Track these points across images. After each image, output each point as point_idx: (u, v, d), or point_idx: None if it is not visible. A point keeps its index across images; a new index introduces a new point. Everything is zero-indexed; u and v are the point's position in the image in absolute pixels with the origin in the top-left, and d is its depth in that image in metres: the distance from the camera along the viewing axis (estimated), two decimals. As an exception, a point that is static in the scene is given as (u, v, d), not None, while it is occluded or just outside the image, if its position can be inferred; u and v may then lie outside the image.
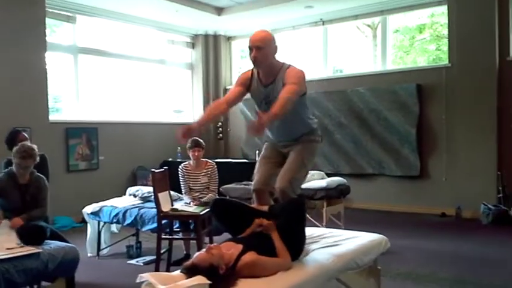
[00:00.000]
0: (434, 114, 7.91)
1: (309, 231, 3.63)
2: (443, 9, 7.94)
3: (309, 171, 6.20)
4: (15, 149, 4.07)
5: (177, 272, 2.55)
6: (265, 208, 3.17)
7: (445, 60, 7.93)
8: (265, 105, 3.32)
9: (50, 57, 7.37)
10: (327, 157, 8.76)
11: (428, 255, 5.43)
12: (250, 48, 3.21)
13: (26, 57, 6.97)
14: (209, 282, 2.33)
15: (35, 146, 4.13)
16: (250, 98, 3.53)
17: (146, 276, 2.35)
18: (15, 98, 6.82)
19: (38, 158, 4.12)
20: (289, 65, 3.29)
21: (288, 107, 3.04)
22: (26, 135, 4.96)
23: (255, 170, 3.52)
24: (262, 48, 3.18)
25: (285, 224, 2.84)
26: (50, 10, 7.47)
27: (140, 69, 9.32)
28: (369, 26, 9.31)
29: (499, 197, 7.25)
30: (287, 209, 2.92)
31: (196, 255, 2.51)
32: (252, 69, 3.42)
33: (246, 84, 3.41)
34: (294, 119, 3.33)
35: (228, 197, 6.76)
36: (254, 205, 3.36)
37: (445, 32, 7.95)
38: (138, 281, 2.38)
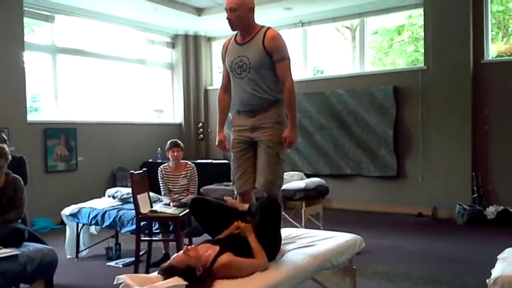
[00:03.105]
0: (410, 115, 8.05)
1: (287, 231, 3.69)
2: (421, 11, 8.08)
3: (289, 172, 6.32)
4: None
5: (155, 274, 2.57)
6: (245, 207, 3.20)
7: (422, 62, 8.07)
8: (235, 66, 3.33)
9: (28, 56, 7.32)
10: (306, 158, 8.85)
11: (405, 254, 5.54)
12: (226, 10, 3.28)
13: (4, 56, 6.92)
14: (186, 283, 2.37)
15: (4, 145, 4.12)
16: None
17: (123, 278, 2.38)
18: (-7, 98, 6.77)
19: (10, 157, 4.08)
20: (269, 27, 3.33)
21: (294, 99, 3.27)
22: (4, 136, 4.92)
23: (233, 175, 3.52)
24: (236, 10, 3.24)
25: (262, 226, 2.89)
26: (28, 9, 7.41)
27: (120, 69, 9.29)
28: (348, 27, 9.42)
29: (474, 197, 7.42)
30: (264, 210, 2.96)
31: (174, 257, 2.55)
32: (230, 38, 3.47)
33: (225, 54, 3.45)
34: (262, 86, 3.30)
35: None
36: (236, 202, 3.36)
37: (423, 34, 8.09)
38: (115, 282, 2.40)
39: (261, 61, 3.25)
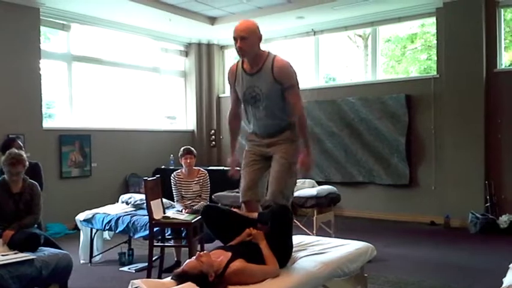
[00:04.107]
0: (423, 123, 8.04)
1: (299, 239, 3.72)
2: (433, 20, 8.08)
3: (300, 179, 6.34)
4: (3, 158, 4.12)
5: (168, 279, 2.61)
6: (254, 215, 3.23)
7: (435, 70, 8.06)
8: (249, 96, 3.39)
9: (44, 64, 7.45)
10: (318, 165, 8.86)
11: (416, 263, 5.53)
12: (235, 39, 3.28)
13: (21, 64, 7.06)
14: (198, 288, 2.41)
15: (22, 152, 4.19)
16: None
17: (138, 283, 2.42)
18: (10, 105, 6.90)
19: (27, 163, 4.16)
20: (275, 55, 3.37)
21: (305, 124, 3.37)
22: (20, 143, 5.01)
23: (241, 182, 3.56)
24: (246, 38, 3.26)
25: (274, 233, 2.92)
26: (45, 18, 7.54)
27: (134, 77, 9.39)
28: (360, 36, 9.44)
29: (487, 206, 7.36)
30: (275, 217, 2.98)
31: (186, 263, 2.58)
32: (237, 63, 3.49)
33: (234, 82, 3.48)
34: (277, 111, 3.38)
35: (219, 204, 6.84)
36: (243, 212, 3.42)
37: (435, 42, 8.09)
38: (130, 287, 2.44)
39: (273, 90, 3.32)
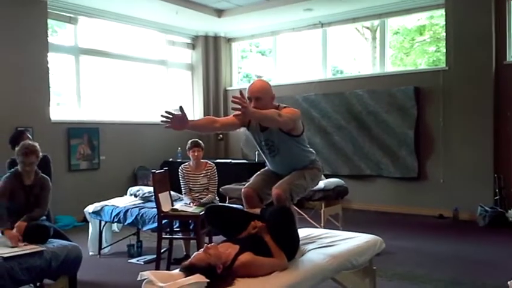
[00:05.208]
0: (431, 116, 7.99)
1: (307, 231, 3.72)
2: (442, 11, 8.02)
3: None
4: (17, 148, 4.15)
5: (177, 271, 2.62)
6: (257, 211, 3.24)
7: (444, 63, 8.00)
8: (266, 147, 3.44)
9: (52, 57, 7.47)
10: (325, 158, 8.83)
11: (425, 256, 5.51)
12: (250, 99, 3.27)
13: (29, 57, 7.08)
14: (207, 280, 2.41)
15: (36, 143, 4.21)
16: None
17: (147, 274, 2.43)
18: (18, 98, 6.93)
19: (40, 154, 4.18)
20: (285, 106, 3.38)
21: (269, 120, 3.13)
22: (29, 135, 5.04)
23: (252, 177, 3.60)
24: (261, 99, 3.27)
25: (276, 227, 2.92)
26: (52, 11, 7.55)
27: (141, 70, 9.40)
28: (368, 28, 9.39)
29: (496, 199, 7.32)
30: (276, 213, 2.99)
31: (194, 255, 2.59)
32: None
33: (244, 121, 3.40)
34: (295, 157, 3.45)
35: (227, 199, 6.85)
36: (246, 209, 3.42)
37: (444, 34, 8.02)
38: (139, 278, 2.46)
39: (285, 138, 3.35)
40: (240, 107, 2.84)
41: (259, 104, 3.24)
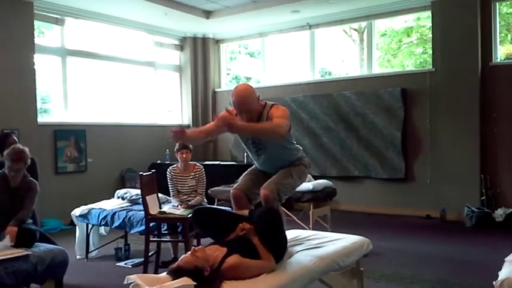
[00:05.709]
0: (418, 117, 8.04)
1: (295, 233, 3.73)
2: (429, 13, 8.07)
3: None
4: (6, 151, 4.10)
5: (164, 274, 2.61)
6: (245, 212, 3.24)
7: (431, 64, 8.06)
8: (252, 145, 3.45)
9: (38, 59, 7.41)
10: (314, 160, 8.85)
11: (412, 257, 5.54)
12: (240, 113, 3.27)
13: (15, 59, 7.02)
14: (194, 283, 2.41)
15: (26, 149, 4.15)
16: None
17: (134, 278, 2.42)
18: (4, 100, 6.86)
19: (29, 161, 4.13)
20: (273, 104, 3.37)
21: (265, 135, 3.19)
22: (15, 138, 4.99)
23: (240, 178, 3.61)
24: (250, 109, 3.25)
25: (264, 229, 2.92)
26: (39, 12, 7.49)
27: (129, 71, 9.35)
28: (355, 30, 9.43)
29: (483, 200, 7.39)
30: (263, 215, 3.00)
31: (182, 258, 2.58)
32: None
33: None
34: (281, 154, 3.46)
35: (215, 201, 6.84)
36: (234, 210, 3.42)
37: (431, 36, 8.09)
38: (125, 282, 2.44)
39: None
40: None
41: (250, 116, 3.25)
